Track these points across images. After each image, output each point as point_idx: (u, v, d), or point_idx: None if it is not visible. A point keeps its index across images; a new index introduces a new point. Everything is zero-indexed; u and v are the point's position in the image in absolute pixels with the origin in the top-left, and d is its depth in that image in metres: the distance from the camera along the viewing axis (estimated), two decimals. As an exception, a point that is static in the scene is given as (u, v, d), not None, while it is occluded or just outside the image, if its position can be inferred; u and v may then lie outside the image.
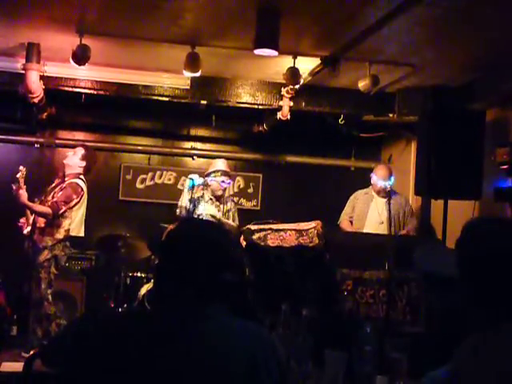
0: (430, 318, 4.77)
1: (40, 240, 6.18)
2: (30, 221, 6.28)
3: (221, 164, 6.93)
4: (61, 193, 6.28)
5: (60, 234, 6.25)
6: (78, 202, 6.34)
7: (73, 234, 6.38)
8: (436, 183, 5.59)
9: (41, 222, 6.24)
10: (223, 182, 6.78)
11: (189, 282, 2.08)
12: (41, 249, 6.17)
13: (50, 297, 6.21)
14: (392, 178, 6.63)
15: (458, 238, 1.76)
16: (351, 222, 6.97)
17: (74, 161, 6.47)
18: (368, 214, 6.86)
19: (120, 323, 2.16)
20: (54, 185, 6.46)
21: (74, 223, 6.39)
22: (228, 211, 6.87)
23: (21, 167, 6.06)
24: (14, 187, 6.02)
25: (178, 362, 1.98)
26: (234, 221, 6.85)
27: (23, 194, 6.01)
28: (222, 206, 6.80)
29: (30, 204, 6.15)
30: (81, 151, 6.52)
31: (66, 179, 6.42)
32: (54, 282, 6.28)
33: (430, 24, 5.04)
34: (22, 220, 6.39)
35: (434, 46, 5.62)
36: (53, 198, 6.27)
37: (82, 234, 6.54)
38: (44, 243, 6.18)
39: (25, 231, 6.27)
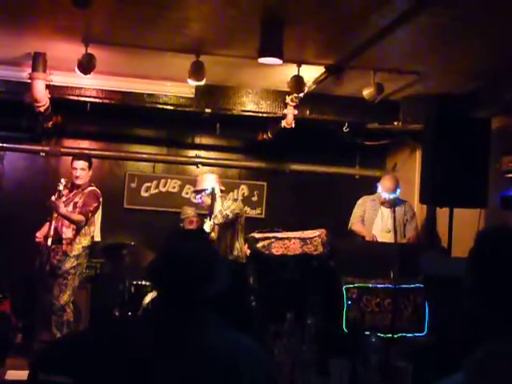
0: (436, 326, 4.76)
1: (70, 250, 6.30)
2: (51, 232, 6.31)
3: (197, 183, 6.93)
4: (83, 201, 6.39)
5: (87, 241, 6.42)
6: (99, 207, 6.56)
7: (96, 239, 6.64)
8: (441, 191, 5.57)
9: (67, 232, 6.32)
10: (198, 198, 6.89)
11: (180, 294, 2.14)
12: (69, 257, 6.29)
13: (71, 304, 6.35)
14: (398, 190, 6.61)
15: (476, 247, 1.75)
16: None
17: (83, 175, 6.49)
18: (375, 221, 6.85)
19: (120, 332, 2.20)
20: (66, 198, 6.43)
21: (96, 228, 6.64)
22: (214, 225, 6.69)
23: (62, 180, 6.30)
24: (53, 198, 6.18)
25: (169, 368, 2.05)
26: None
27: (61, 205, 6.18)
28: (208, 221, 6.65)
29: (68, 213, 6.28)
30: (84, 164, 6.51)
31: (81, 189, 6.48)
32: (75, 290, 6.40)
33: (434, 32, 5.05)
34: (39, 235, 6.42)
35: (439, 54, 5.63)
36: (74, 207, 6.37)
37: (99, 238, 6.68)
38: (73, 252, 6.31)
39: (49, 242, 6.29)
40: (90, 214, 6.38)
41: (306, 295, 4.99)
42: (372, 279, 5.10)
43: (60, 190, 6.23)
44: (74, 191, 6.52)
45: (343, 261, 5.34)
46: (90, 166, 6.56)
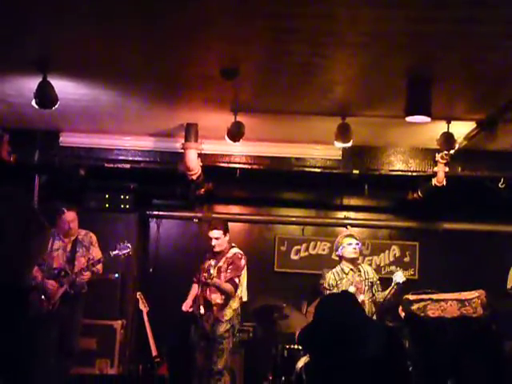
0: None
1: (221, 315, 6.34)
2: (201, 300, 6.42)
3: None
4: (230, 267, 6.40)
5: (237, 304, 6.44)
6: (243, 268, 6.52)
7: (243, 299, 6.60)
8: None
9: (215, 298, 6.36)
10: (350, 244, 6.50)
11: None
12: (222, 322, 6.33)
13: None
14: None
15: None
16: None
17: (221, 242, 6.47)
18: None
19: None
20: (209, 263, 6.44)
21: (243, 289, 6.60)
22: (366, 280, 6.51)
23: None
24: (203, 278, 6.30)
25: None
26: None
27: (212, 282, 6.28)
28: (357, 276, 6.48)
29: (220, 284, 6.33)
30: (218, 233, 6.45)
31: (222, 255, 6.48)
32: (231, 353, 6.42)
33: None
34: (185, 308, 6.50)
35: None
36: (219, 272, 6.36)
37: (245, 298, 6.70)
38: (225, 317, 6.35)
39: (201, 311, 6.40)
40: (236, 281, 6.37)
41: (467, 361, 4.74)
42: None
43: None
44: (216, 257, 6.50)
45: (506, 324, 5.05)
46: (225, 233, 6.50)
